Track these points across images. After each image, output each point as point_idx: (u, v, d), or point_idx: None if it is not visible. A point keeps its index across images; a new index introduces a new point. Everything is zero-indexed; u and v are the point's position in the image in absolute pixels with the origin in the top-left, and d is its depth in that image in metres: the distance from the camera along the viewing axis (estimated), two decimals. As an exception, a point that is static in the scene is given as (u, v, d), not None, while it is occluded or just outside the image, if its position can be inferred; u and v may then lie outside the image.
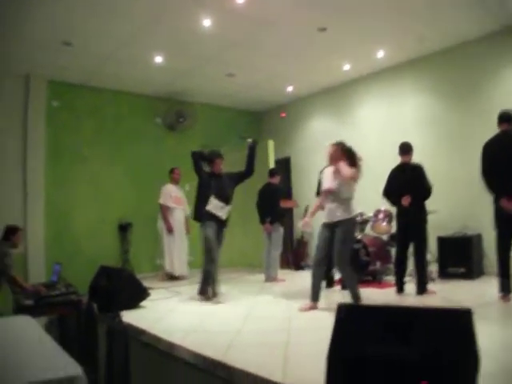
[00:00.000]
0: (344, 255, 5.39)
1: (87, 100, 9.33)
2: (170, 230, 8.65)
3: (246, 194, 8.11)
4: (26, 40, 7.08)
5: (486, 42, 7.65)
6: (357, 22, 7.04)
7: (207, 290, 6.39)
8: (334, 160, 5.41)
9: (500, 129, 5.57)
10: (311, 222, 5.82)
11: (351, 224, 5.47)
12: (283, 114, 10.99)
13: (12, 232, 6.16)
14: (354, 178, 5.31)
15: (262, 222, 8.03)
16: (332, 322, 2.38)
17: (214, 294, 6.31)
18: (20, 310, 5.18)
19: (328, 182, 5.48)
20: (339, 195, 5.35)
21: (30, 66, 8.15)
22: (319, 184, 6.10)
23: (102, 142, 9.45)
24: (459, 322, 2.21)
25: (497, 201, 5.37)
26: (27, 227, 8.14)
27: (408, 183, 6.18)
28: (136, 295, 6.11)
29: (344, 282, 6.59)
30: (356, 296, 5.34)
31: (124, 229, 9.41)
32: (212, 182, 6.47)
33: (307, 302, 5.44)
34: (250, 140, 6.76)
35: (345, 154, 5.38)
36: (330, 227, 5.42)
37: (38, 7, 6.12)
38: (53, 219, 8.64)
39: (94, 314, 3.91)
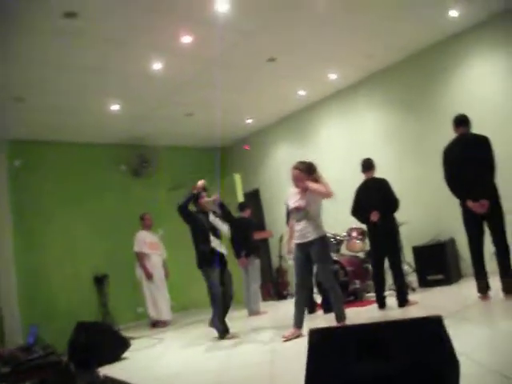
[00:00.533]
0: (328, 272, 5.41)
1: (49, 156, 9.22)
2: (149, 277, 8.55)
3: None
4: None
5: (432, 52, 7.93)
6: (305, 49, 7.21)
7: (225, 328, 6.23)
8: (299, 182, 5.40)
9: (457, 132, 5.65)
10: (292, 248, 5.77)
11: (324, 241, 5.44)
12: (246, 147, 11.05)
13: None
14: (329, 193, 5.30)
15: (238, 256, 7.97)
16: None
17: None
18: (-2, 378, 5.00)
19: (295, 201, 5.45)
20: (308, 213, 5.33)
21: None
22: (288, 211, 6.09)
23: (68, 196, 9.30)
24: (431, 329, 2.20)
25: (463, 204, 5.42)
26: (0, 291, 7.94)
27: (374, 199, 6.19)
28: (117, 347, 5.99)
29: (326, 306, 6.61)
30: (341, 315, 5.33)
31: (100, 281, 9.22)
32: (203, 220, 6.34)
33: (291, 330, 5.33)
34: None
35: (307, 173, 5.40)
36: (304, 247, 5.37)
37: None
38: (26, 280, 8.43)
39: (71, 373, 3.80)
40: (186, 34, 6.20)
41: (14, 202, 8.61)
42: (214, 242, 6.28)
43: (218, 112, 9.11)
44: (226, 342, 5.90)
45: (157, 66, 6.92)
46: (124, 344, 6.09)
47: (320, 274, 5.46)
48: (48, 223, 8.96)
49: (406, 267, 7.38)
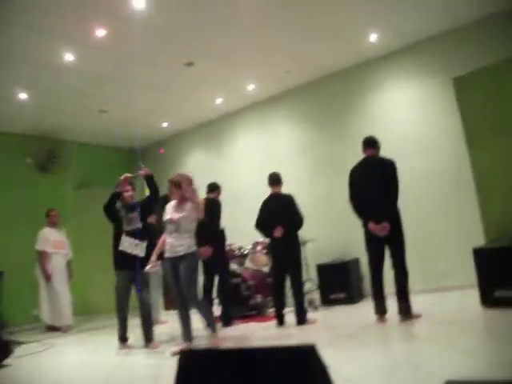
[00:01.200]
0: (192, 288, 5.25)
1: None
2: (47, 278, 8.09)
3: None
4: None
5: (349, 74, 8.10)
6: (223, 58, 7.14)
7: (122, 336, 5.89)
8: (178, 192, 5.34)
9: (365, 154, 5.66)
10: (156, 263, 5.56)
11: (194, 258, 5.32)
12: (161, 151, 10.80)
13: None
14: (202, 210, 5.31)
15: (139, 262, 7.68)
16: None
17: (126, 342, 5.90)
18: None
19: (170, 214, 5.34)
20: (180, 227, 5.22)
21: None
22: None
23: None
24: (304, 358, 2.09)
25: (365, 225, 5.43)
26: None
27: (279, 214, 6.11)
28: None
29: (225, 319, 6.58)
30: (213, 328, 5.27)
31: (-6, 279, 8.67)
32: (123, 218, 5.85)
33: (182, 344, 5.16)
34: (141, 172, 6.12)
35: (186, 184, 5.37)
36: (173, 262, 5.24)
37: None
38: None
39: None
40: (100, 27, 5.94)
41: None
42: (127, 243, 5.79)
43: (134, 112, 8.87)
44: (117, 352, 5.66)
45: (68, 56, 6.61)
46: (4, 350, 5.62)
47: (185, 292, 5.23)
48: None
49: (309, 284, 7.38)
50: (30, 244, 8.25)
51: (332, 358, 2.27)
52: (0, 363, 5.50)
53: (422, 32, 7.11)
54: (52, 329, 8.15)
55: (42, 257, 8.17)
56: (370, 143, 5.66)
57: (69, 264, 8.51)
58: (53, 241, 8.30)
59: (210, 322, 5.29)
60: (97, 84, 7.64)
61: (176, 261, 5.21)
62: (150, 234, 7.57)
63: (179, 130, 10.55)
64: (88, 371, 4.93)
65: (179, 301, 5.27)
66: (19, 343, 6.94)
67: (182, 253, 5.18)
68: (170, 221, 5.28)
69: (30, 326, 8.68)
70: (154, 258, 5.50)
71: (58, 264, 8.29)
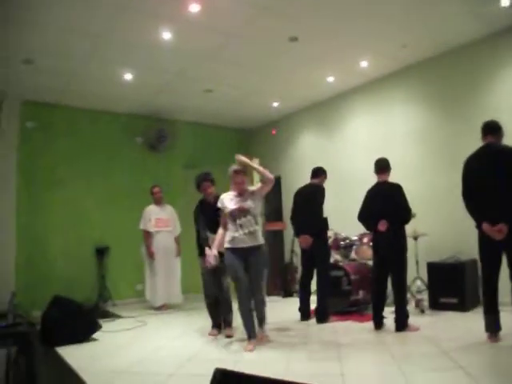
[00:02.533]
0: (263, 281, 5.24)
1: (63, 119, 8.93)
2: (150, 256, 8.14)
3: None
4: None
5: (477, 47, 6.99)
6: (331, 31, 6.51)
7: (214, 322, 5.97)
8: (243, 184, 5.15)
9: (484, 141, 4.82)
10: (215, 255, 5.22)
11: (264, 249, 5.20)
12: (273, 132, 10.45)
13: None
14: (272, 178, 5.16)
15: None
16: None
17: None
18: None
19: (236, 203, 5.09)
20: (254, 216, 5.07)
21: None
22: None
23: (78, 162, 9.01)
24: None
25: (479, 226, 4.64)
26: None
27: (384, 206, 5.46)
28: (85, 328, 5.75)
29: (319, 315, 6.17)
30: (262, 321, 5.27)
31: (101, 253, 8.94)
32: (204, 212, 5.86)
33: (252, 341, 4.99)
34: None
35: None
36: (244, 253, 5.00)
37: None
38: (26, 244, 8.19)
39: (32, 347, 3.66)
40: (193, 2, 5.57)
41: (23, 164, 8.37)
42: (205, 235, 5.74)
43: (240, 91, 8.56)
44: (204, 339, 5.63)
45: (166, 35, 6.36)
46: (93, 325, 5.86)
47: (256, 283, 5.08)
48: (56, 186, 8.68)
49: (419, 283, 6.72)
50: (136, 221, 8.37)
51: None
52: (88, 337, 5.73)
53: None
54: (158, 307, 8.16)
55: (145, 236, 8.27)
56: (491, 129, 4.81)
57: (177, 240, 8.46)
58: (155, 219, 8.31)
59: (263, 319, 5.25)
60: (198, 62, 7.37)
61: (248, 252, 5.00)
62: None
63: (290, 110, 10.10)
64: (164, 357, 4.85)
65: (245, 293, 5.02)
66: (116, 316, 7.36)
67: (257, 243, 5.03)
68: (242, 209, 5.02)
69: (133, 300, 8.96)
70: (215, 251, 5.19)
71: (162, 242, 8.28)
